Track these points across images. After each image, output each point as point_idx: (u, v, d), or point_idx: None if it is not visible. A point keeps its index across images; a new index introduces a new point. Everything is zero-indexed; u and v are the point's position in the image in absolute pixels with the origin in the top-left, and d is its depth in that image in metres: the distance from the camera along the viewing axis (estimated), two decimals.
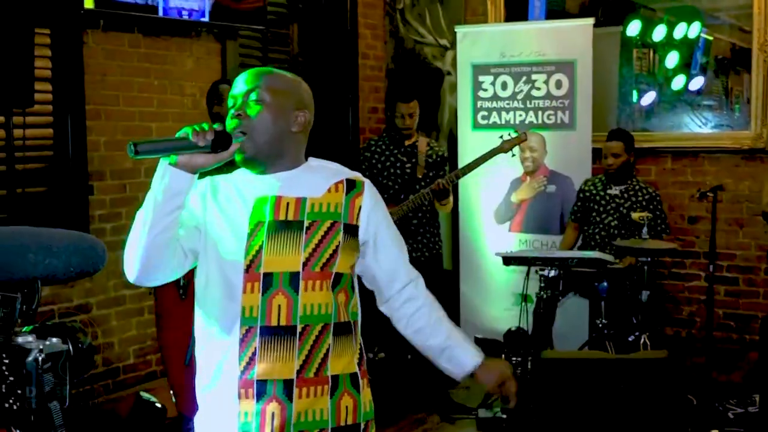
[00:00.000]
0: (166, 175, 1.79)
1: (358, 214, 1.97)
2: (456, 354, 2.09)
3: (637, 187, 4.83)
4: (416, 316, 2.08)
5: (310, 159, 2.04)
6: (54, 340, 1.30)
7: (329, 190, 1.96)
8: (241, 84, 1.95)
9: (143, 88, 4.57)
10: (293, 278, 1.89)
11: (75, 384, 1.40)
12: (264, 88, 1.93)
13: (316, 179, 1.97)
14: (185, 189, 1.82)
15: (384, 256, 2.05)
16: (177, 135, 1.78)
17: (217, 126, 1.83)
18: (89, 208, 4.31)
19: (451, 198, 4.76)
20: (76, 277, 1.34)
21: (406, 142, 4.87)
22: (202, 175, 1.91)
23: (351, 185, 1.99)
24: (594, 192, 4.92)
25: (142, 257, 1.83)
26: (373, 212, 2.00)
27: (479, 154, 4.74)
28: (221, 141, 1.82)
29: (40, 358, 1.22)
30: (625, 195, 4.81)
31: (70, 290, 4.22)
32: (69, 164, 4.22)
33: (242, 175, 1.98)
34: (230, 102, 1.96)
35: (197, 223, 1.93)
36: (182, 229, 1.90)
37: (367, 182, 2.03)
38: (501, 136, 4.86)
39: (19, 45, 3.60)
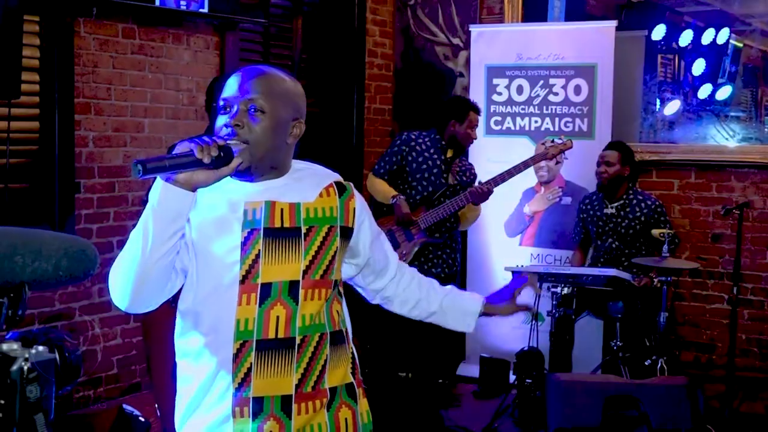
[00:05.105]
0: (167, 196, 1.75)
1: (354, 217, 2.01)
2: (459, 302, 2.25)
3: (634, 201, 4.84)
4: (412, 290, 2.21)
5: (294, 162, 2.01)
6: (40, 348, 1.31)
7: (321, 195, 1.97)
8: (238, 87, 1.88)
9: (136, 82, 4.59)
10: (293, 287, 1.89)
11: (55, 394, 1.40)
12: (266, 95, 1.88)
13: (305, 184, 1.97)
14: (186, 210, 1.79)
15: (377, 247, 2.13)
16: (179, 151, 1.73)
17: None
18: (75, 207, 4.32)
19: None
20: (65, 282, 1.34)
21: (449, 153, 4.69)
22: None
23: (341, 188, 2.01)
24: (592, 213, 4.95)
25: (137, 286, 1.79)
26: (364, 212, 2.06)
27: (520, 160, 4.65)
28: (224, 156, 1.79)
29: (25, 368, 1.23)
30: (622, 213, 4.82)
31: (52, 294, 4.22)
32: (55, 160, 4.23)
33: (227, 182, 1.88)
34: (222, 103, 1.89)
35: (186, 238, 1.88)
36: None
37: (351, 185, 2.07)
38: (543, 143, 5.06)
39: (6, 32, 3.61)
